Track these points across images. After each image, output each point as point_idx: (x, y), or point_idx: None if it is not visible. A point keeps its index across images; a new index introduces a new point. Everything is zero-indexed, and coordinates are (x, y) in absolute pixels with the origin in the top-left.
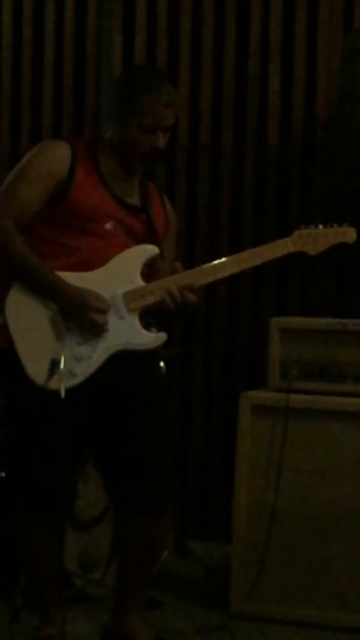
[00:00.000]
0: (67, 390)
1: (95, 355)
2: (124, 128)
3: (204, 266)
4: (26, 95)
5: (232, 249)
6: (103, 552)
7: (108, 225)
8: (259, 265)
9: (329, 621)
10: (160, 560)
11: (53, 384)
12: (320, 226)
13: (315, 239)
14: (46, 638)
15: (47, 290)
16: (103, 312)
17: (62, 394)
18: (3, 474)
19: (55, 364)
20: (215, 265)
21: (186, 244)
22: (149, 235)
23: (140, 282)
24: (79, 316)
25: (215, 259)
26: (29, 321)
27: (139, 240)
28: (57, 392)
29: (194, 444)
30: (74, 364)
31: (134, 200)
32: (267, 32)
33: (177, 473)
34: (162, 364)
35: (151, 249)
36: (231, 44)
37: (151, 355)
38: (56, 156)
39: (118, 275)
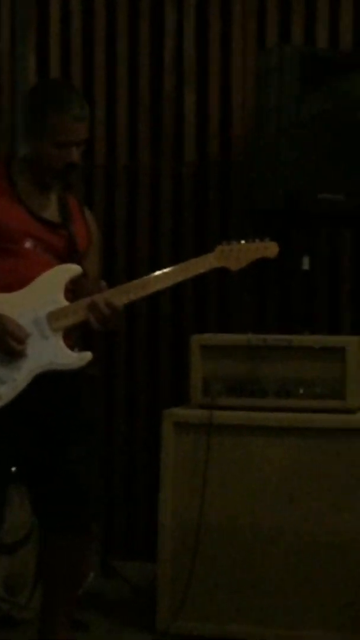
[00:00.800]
0: None
1: (20, 377)
2: (38, 145)
3: (127, 284)
4: None
5: (151, 267)
6: (28, 575)
7: (27, 244)
8: (179, 282)
9: (256, 638)
10: (86, 581)
11: None
12: (242, 241)
13: (237, 254)
14: None
15: None
16: (21, 339)
17: None
18: None
19: None
20: (138, 283)
21: (105, 262)
22: (70, 252)
23: (63, 302)
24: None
25: (134, 277)
26: None
27: (60, 257)
28: None
29: (117, 462)
30: None
31: (53, 216)
32: (180, 50)
33: (102, 493)
34: None
35: (74, 269)
36: (145, 63)
37: (80, 375)
38: None
39: (41, 296)
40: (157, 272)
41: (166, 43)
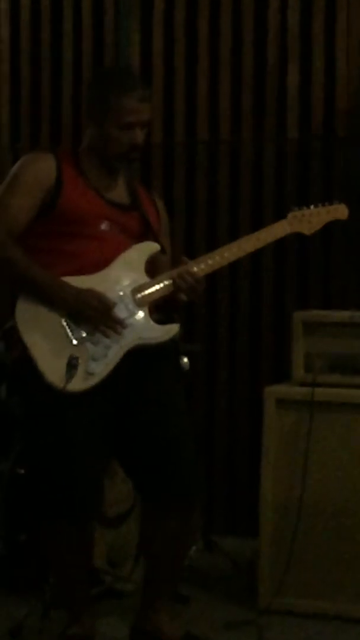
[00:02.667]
0: (88, 391)
1: (111, 353)
2: (102, 128)
3: (205, 255)
4: (46, 91)
5: None
6: (131, 548)
7: (103, 226)
8: (280, 259)
9: (358, 614)
10: (189, 555)
11: (72, 386)
12: (312, 206)
13: (309, 219)
14: (75, 636)
15: (51, 297)
16: (108, 311)
17: (68, 390)
18: (22, 471)
19: (72, 366)
20: (216, 253)
21: (206, 236)
22: (144, 232)
23: (145, 278)
24: (87, 318)
25: None
26: (41, 327)
27: (135, 237)
28: (78, 393)
29: (219, 439)
30: (90, 363)
31: (123, 199)
32: (285, 24)
33: (203, 469)
34: (185, 359)
35: (153, 245)
36: (249, 38)
37: (171, 350)
38: (42, 166)
39: (124, 274)
40: (233, 242)
41: (270, 17)
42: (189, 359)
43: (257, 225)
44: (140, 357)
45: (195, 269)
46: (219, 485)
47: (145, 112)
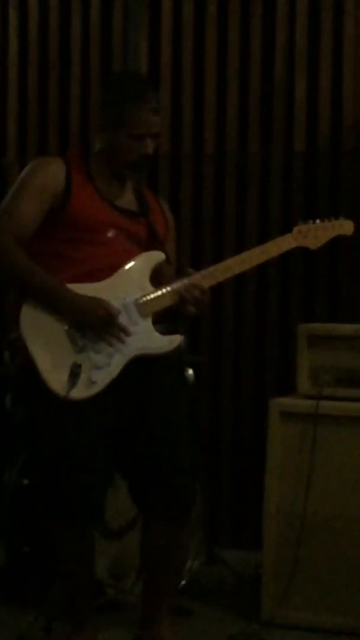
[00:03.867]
0: (91, 399)
1: (114, 362)
2: (113, 136)
3: (210, 268)
4: (54, 105)
5: None
6: (134, 560)
7: (110, 234)
8: (286, 272)
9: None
10: (192, 569)
11: (74, 394)
12: (317, 221)
13: (314, 233)
14: None
15: (55, 304)
16: (113, 319)
17: (70, 398)
18: (26, 481)
19: (74, 374)
20: (221, 266)
21: (214, 249)
22: (151, 239)
23: (150, 288)
24: (91, 326)
25: None
26: (45, 334)
27: (142, 244)
28: (80, 401)
29: (223, 451)
30: (93, 372)
31: (131, 205)
32: (292, 39)
33: (207, 481)
34: (190, 371)
35: (158, 255)
36: (257, 52)
37: (174, 360)
38: (51, 171)
39: (128, 283)
40: (238, 255)
41: (278, 32)
42: (193, 370)
43: (263, 238)
44: (143, 367)
45: (201, 281)
46: (222, 497)
47: (157, 123)
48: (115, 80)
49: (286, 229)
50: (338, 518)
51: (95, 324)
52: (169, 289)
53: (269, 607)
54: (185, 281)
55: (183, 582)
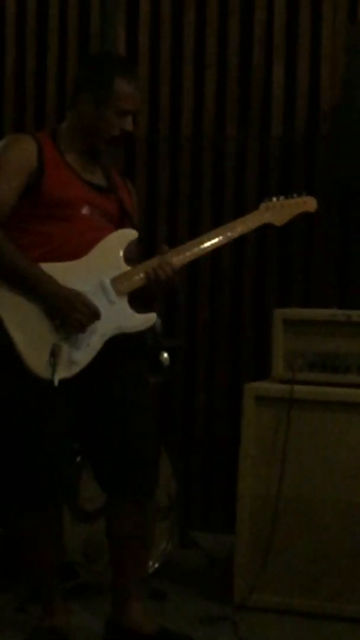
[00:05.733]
0: (61, 380)
1: (93, 342)
2: (98, 110)
3: (182, 245)
4: (30, 87)
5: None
6: (107, 543)
7: (84, 210)
8: (261, 256)
9: (333, 611)
10: (164, 551)
11: (54, 374)
12: (282, 197)
13: (280, 210)
14: (49, 629)
15: (35, 290)
16: (90, 316)
17: (56, 383)
18: None
19: (55, 355)
20: (192, 243)
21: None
22: (121, 216)
23: (125, 267)
24: (66, 316)
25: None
26: (24, 312)
27: (114, 221)
28: (62, 381)
29: (197, 435)
30: (73, 351)
31: (101, 182)
32: (271, 22)
33: (181, 464)
34: (165, 355)
35: (131, 233)
36: (235, 36)
37: (140, 341)
38: (24, 149)
39: (103, 261)
40: (209, 232)
41: (256, 15)
42: (169, 354)
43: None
44: (111, 350)
45: (174, 259)
46: (196, 481)
47: (140, 101)
48: (102, 57)
49: None
50: (311, 501)
51: (76, 319)
52: (143, 267)
53: (241, 590)
54: (158, 260)
55: (156, 565)
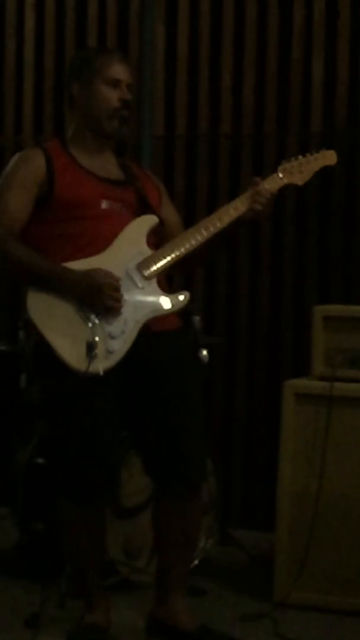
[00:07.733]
0: (106, 373)
1: (128, 329)
2: (90, 89)
3: (204, 220)
4: (49, 86)
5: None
6: (147, 539)
7: (104, 205)
8: (301, 253)
9: None
10: (203, 548)
11: (95, 367)
12: (300, 156)
13: (299, 168)
14: (90, 625)
15: (59, 285)
16: (116, 287)
17: (101, 373)
18: (40, 460)
19: (91, 348)
20: (215, 216)
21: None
22: (142, 205)
23: (148, 251)
24: (94, 298)
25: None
26: (55, 314)
27: (134, 211)
28: (97, 375)
29: (237, 432)
30: (109, 342)
31: (116, 175)
32: (310, 18)
33: (221, 462)
34: (205, 352)
35: (151, 219)
36: (274, 31)
37: (188, 339)
38: (32, 163)
39: (127, 250)
40: (231, 202)
41: (295, 11)
42: (208, 351)
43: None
44: (157, 344)
45: (198, 236)
46: (236, 478)
47: (127, 71)
48: (80, 51)
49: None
50: (351, 499)
51: (97, 296)
52: (166, 249)
53: (281, 587)
54: (252, 191)
55: (196, 562)
